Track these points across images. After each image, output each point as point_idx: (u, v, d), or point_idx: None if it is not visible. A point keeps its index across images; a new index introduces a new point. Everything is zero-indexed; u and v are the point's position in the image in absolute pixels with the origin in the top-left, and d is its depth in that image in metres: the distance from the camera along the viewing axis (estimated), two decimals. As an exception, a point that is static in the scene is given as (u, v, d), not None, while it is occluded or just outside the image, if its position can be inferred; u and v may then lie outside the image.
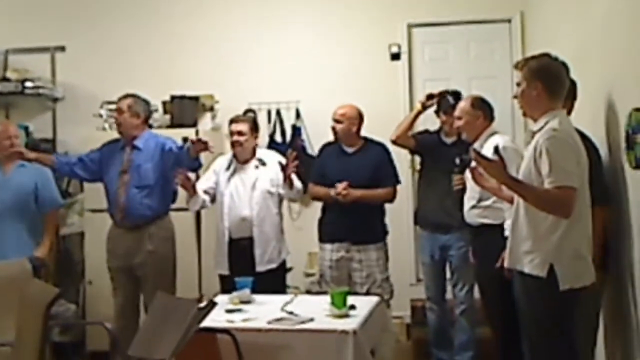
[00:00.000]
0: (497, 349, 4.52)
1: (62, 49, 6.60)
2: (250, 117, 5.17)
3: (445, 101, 5.01)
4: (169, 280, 4.99)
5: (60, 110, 6.57)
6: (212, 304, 2.81)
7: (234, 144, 4.94)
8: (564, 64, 3.38)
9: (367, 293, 4.81)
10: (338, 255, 5.02)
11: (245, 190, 4.91)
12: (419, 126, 5.52)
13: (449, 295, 5.15)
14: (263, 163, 4.97)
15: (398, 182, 5.11)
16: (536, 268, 3.24)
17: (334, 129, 5.07)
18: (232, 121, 5.01)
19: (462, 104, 4.59)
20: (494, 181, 3.59)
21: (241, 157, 4.98)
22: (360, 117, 5.07)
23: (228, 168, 4.98)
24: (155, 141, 5.01)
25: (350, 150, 5.11)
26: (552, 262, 3.19)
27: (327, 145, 5.25)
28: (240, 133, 4.91)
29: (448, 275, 5.10)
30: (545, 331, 3.27)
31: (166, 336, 2.38)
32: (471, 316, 4.97)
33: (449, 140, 5.05)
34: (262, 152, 5.12)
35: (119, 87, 5.29)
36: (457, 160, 4.86)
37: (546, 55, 3.44)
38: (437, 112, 5.14)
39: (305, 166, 5.35)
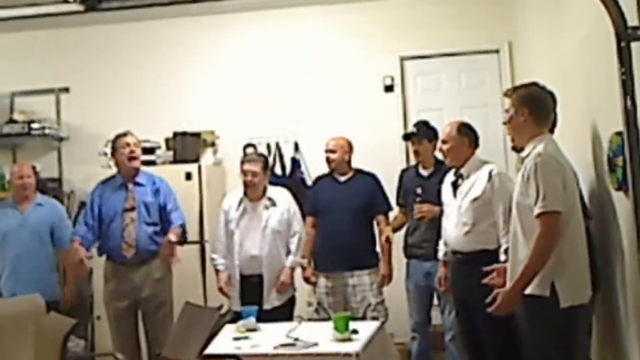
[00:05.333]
0: None
1: (66, 90, 6.77)
2: (262, 157, 5.28)
3: (411, 133, 5.20)
4: (170, 308, 5.05)
5: (66, 149, 6.74)
6: (230, 311, 3.00)
7: (247, 184, 5.05)
8: (550, 93, 3.56)
9: (364, 316, 4.98)
10: (333, 283, 5.19)
11: (255, 230, 5.03)
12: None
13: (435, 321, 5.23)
14: (274, 203, 5.09)
15: (390, 208, 5.31)
16: (538, 288, 3.29)
17: (328, 159, 5.28)
18: (245, 161, 5.12)
19: (448, 129, 4.56)
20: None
21: (253, 196, 5.09)
22: (350, 147, 5.30)
23: (238, 206, 5.09)
24: (152, 179, 5.14)
25: (342, 179, 5.30)
26: (553, 280, 3.25)
27: (320, 178, 5.48)
28: (254, 174, 5.02)
29: (435, 302, 5.17)
30: (548, 351, 3.30)
31: (192, 339, 2.63)
32: (460, 342, 4.92)
33: (425, 172, 5.16)
34: (273, 191, 5.20)
35: (121, 126, 5.39)
36: (419, 190, 5.03)
37: (534, 84, 3.62)
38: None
39: (305, 197, 5.55)
